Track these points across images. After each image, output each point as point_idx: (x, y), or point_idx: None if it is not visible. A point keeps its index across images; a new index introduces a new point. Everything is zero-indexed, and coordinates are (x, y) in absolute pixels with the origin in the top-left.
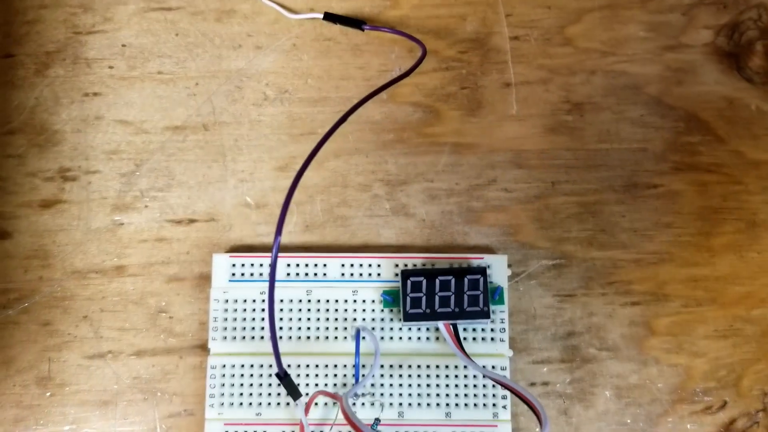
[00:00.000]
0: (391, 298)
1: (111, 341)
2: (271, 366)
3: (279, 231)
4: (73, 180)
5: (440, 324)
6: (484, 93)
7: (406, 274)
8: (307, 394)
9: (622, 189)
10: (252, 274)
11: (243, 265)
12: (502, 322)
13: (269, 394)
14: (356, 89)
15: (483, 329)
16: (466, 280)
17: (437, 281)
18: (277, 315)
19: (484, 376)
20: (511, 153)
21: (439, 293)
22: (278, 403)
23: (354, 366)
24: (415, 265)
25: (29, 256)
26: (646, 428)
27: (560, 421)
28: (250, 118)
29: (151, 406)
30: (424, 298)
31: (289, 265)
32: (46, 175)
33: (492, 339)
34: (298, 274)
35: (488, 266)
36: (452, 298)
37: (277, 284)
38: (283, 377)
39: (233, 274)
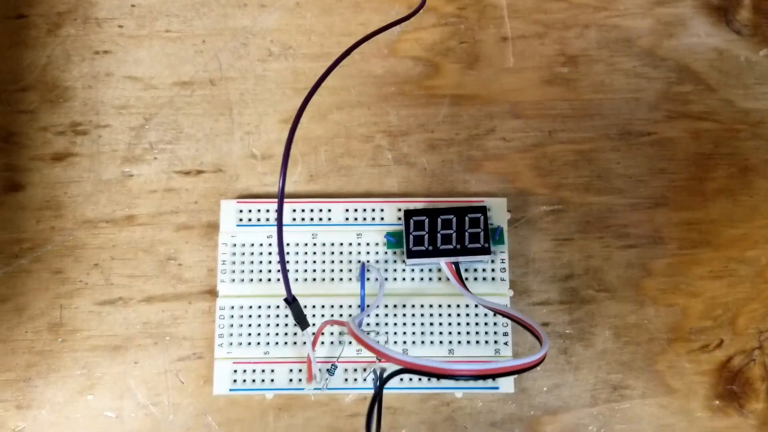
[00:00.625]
0: (394, 239)
1: (121, 288)
2: (278, 307)
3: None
4: (84, 134)
5: (442, 263)
6: (482, 47)
7: (408, 214)
8: (313, 325)
9: (617, 137)
10: (259, 219)
11: (250, 210)
12: (503, 263)
13: (276, 334)
14: None
15: (484, 270)
16: (467, 218)
17: (439, 220)
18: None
19: (485, 308)
20: (508, 104)
21: (441, 231)
22: (285, 342)
23: (359, 306)
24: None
25: (41, 207)
26: (644, 366)
27: (560, 361)
28: (255, 73)
29: (161, 350)
30: (426, 237)
31: (294, 210)
32: (57, 129)
33: (493, 279)
34: (303, 219)
35: (489, 208)
36: (454, 236)
37: (283, 228)
38: (292, 302)
39: (240, 220)
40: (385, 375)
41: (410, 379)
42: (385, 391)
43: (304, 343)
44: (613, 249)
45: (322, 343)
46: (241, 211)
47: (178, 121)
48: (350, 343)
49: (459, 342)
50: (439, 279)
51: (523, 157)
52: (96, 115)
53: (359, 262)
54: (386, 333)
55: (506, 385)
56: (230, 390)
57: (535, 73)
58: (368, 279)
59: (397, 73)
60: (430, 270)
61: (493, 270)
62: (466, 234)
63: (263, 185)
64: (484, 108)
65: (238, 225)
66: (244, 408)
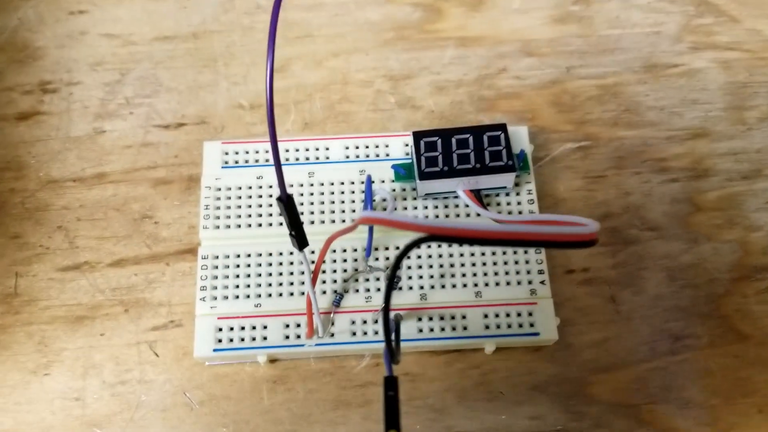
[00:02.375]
0: (403, 170)
1: (88, 251)
2: (270, 254)
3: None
4: (53, 92)
5: (460, 190)
6: None
7: (418, 135)
8: (313, 252)
9: (642, 70)
10: (247, 161)
11: (237, 152)
12: (530, 194)
13: (269, 284)
14: None
15: (509, 203)
16: (485, 137)
17: (453, 140)
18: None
19: (513, 238)
20: (519, 43)
21: (457, 151)
22: (280, 294)
23: (366, 245)
24: None
25: (1, 168)
26: (707, 312)
27: (608, 310)
28: (242, 25)
29: (132, 319)
30: (440, 157)
31: (288, 150)
32: (24, 88)
33: (519, 212)
34: (298, 159)
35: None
36: (472, 155)
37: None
38: (286, 201)
39: (226, 162)
40: (407, 244)
41: (431, 329)
42: (401, 352)
43: (303, 287)
44: (653, 184)
45: (324, 293)
46: (226, 153)
47: (158, 74)
48: (357, 291)
49: (486, 284)
50: (458, 215)
51: (541, 94)
52: (68, 72)
53: (363, 201)
54: (398, 279)
55: (548, 329)
56: (214, 351)
57: (544, 12)
58: (375, 205)
59: (396, 19)
60: (446, 205)
61: (519, 203)
62: (486, 153)
63: (251, 135)
64: (492, 48)
65: (223, 167)
66: (231, 382)
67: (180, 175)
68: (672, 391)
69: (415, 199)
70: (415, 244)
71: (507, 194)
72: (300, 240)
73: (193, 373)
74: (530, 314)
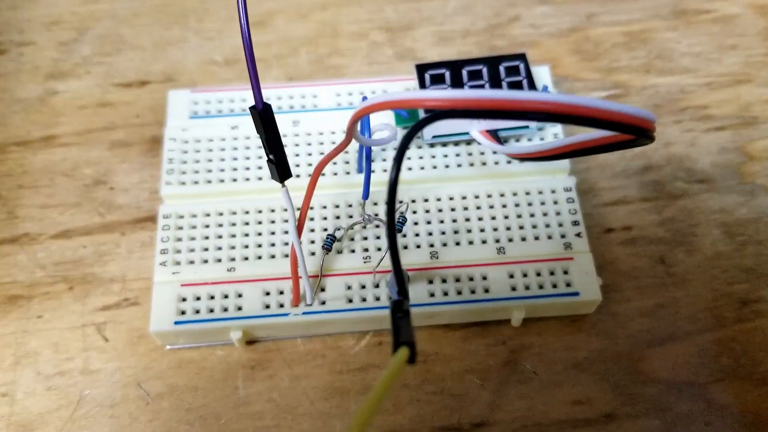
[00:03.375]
0: (405, 113)
1: (29, 221)
2: (247, 213)
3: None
4: (1, 53)
5: (474, 131)
6: None
7: (422, 68)
8: (298, 210)
9: (671, 16)
10: (220, 111)
11: (208, 102)
12: (556, 137)
13: (245, 246)
14: None
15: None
16: (502, 67)
17: (464, 71)
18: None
19: (540, 155)
20: None
21: (469, 83)
22: (258, 257)
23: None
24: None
25: None
26: None
27: (658, 273)
28: None
29: (77, 297)
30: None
31: (269, 98)
32: None
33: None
34: (281, 107)
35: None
36: (487, 86)
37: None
38: (262, 111)
39: (195, 112)
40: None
41: (444, 293)
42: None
43: (286, 249)
44: (697, 133)
45: (312, 254)
46: (196, 103)
47: (121, 32)
48: (353, 251)
49: (510, 239)
50: (471, 164)
51: (561, 43)
52: (19, 33)
53: (356, 151)
54: (404, 236)
55: (589, 288)
56: (176, 323)
57: None
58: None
59: None
60: (457, 153)
61: None
62: (504, 84)
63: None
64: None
65: (191, 117)
66: (198, 369)
67: (142, 136)
68: (744, 365)
69: (420, 147)
70: (430, 120)
71: (529, 139)
72: (281, 167)
73: (150, 360)
74: (566, 272)
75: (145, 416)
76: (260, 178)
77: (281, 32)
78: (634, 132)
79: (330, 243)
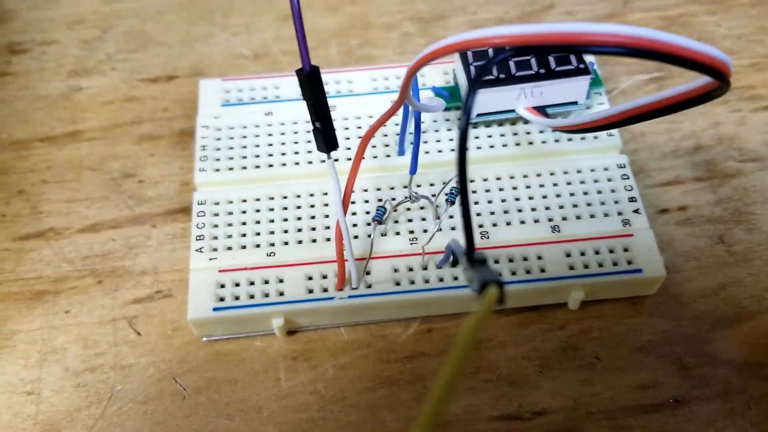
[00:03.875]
0: (447, 93)
1: (55, 216)
2: (285, 197)
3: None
4: (23, 53)
5: (520, 108)
6: None
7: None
8: (348, 149)
9: (709, 1)
10: (253, 98)
11: (240, 90)
12: None
13: (285, 231)
14: None
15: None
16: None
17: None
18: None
19: (590, 126)
20: None
21: (514, 59)
22: (299, 241)
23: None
24: None
25: None
26: None
27: (718, 252)
28: None
29: (107, 291)
30: (494, 67)
31: None
32: None
33: (595, 137)
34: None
35: None
36: (533, 61)
37: (287, 103)
38: (309, 75)
39: (227, 100)
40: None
41: (498, 274)
42: (461, 312)
43: (328, 233)
44: (745, 113)
45: (356, 237)
46: (227, 91)
47: (146, 29)
48: (398, 233)
49: (564, 218)
50: (517, 144)
51: None
52: (41, 33)
53: (395, 135)
54: (450, 217)
55: (652, 264)
56: (215, 310)
57: None
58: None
59: None
60: (502, 133)
61: None
62: (551, 59)
63: None
64: None
65: (223, 105)
66: (238, 362)
67: (170, 129)
68: None
69: (459, 124)
70: (498, 58)
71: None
72: (327, 136)
73: (186, 353)
74: (626, 249)
75: (181, 411)
76: (297, 163)
77: (310, 25)
78: (711, 73)
79: (381, 215)
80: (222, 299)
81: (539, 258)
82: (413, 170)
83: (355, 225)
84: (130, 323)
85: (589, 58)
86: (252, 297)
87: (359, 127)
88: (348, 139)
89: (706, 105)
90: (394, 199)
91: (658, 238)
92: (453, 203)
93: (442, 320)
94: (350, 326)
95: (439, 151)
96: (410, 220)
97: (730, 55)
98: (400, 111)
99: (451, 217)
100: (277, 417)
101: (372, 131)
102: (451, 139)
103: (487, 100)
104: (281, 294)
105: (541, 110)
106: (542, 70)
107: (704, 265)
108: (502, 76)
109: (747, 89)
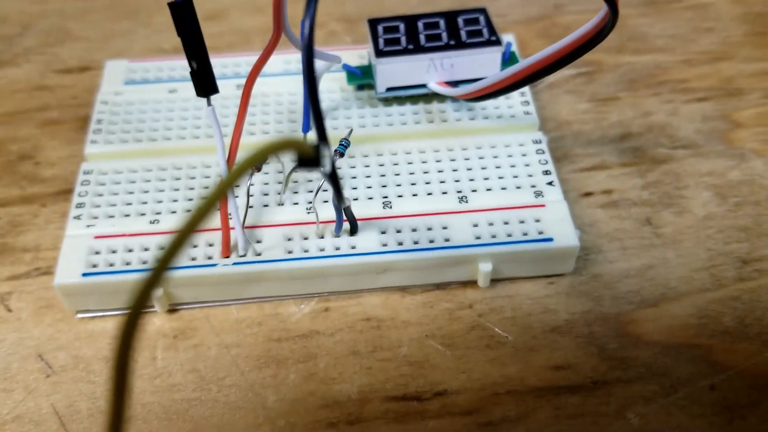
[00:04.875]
0: (358, 71)
1: None
2: (180, 169)
3: None
4: None
5: (431, 83)
6: None
7: (374, 22)
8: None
9: (642, 4)
10: (159, 78)
11: (147, 70)
12: (523, 95)
13: (174, 200)
14: None
15: (497, 107)
16: (460, 19)
17: (420, 23)
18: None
19: (492, 90)
20: None
21: (425, 32)
22: (188, 210)
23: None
24: None
25: None
26: None
27: (645, 233)
28: None
29: None
30: (403, 38)
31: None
32: None
33: (512, 116)
34: (225, 74)
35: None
36: (444, 34)
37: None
38: (182, 3)
39: (132, 79)
40: None
41: (399, 243)
42: (362, 289)
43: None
44: (678, 104)
45: (251, 207)
46: (134, 71)
47: (68, 26)
48: (296, 204)
49: (474, 190)
50: (431, 122)
51: (528, 29)
52: None
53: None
54: (354, 188)
55: (564, 234)
56: (84, 275)
57: None
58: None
59: None
60: (415, 112)
61: (510, 107)
62: (463, 32)
63: None
64: None
65: (126, 83)
66: (112, 340)
67: (76, 115)
68: (750, 325)
69: (374, 106)
70: None
71: None
72: (204, 78)
73: (56, 330)
74: (537, 220)
75: (43, 389)
76: (197, 137)
77: (235, 24)
78: None
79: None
80: (95, 266)
81: (444, 228)
82: (305, 128)
83: (251, 195)
84: (1, 299)
85: (507, 39)
86: (128, 264)
87: (267, 105)
88: (254, 115)
89: (635, 96)
90: (293, 171)
91: (580, 220)
92: (342, 155)
93: (342, 298)
94: (241, 304)
95: (350, 130)
96: (309, 191)
97: (664, 52)
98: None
99: (354, 188)
100: (147, 396)
101: (254, 72)
102: (362, 115)
103: (396, 70)
104: None
105: (454, 84)
106: (452, 42)
107: (628, 246)
108: (410, 46)
109: (680, 82)
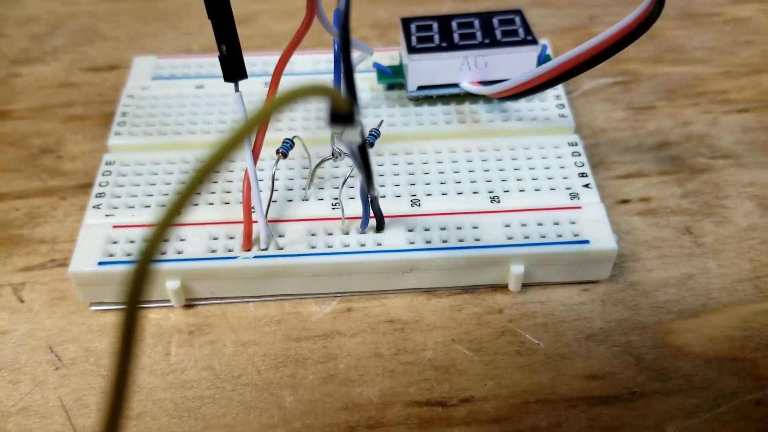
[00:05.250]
0: (389, 70)
1: None
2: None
3: None
4: None
5: (464, 83)
6: None
7: (407, 21)
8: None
9: (679, 17)
10: (186, 74)
11: (175, 67)
12: (558, 98)
13: (197, 193)
14: None
15: (531, 109)
16: (495, 20)
17: (454, 23)
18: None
19: (522, 89)
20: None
21: (459, 31)
22: (210, 203)
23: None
24: None
25: None
26: None
27: (685, 242)
28: None
29: None
30: (436, 36)
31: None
32: None
33: (547, 119)
34: (254, 72)
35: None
36: (479, 33)
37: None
38: None
39: (159, 75)
40: None
41: (427, 241)
42: (387, 290)
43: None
44: (717, 114)
45: (275, 201)
46: (161, 67)
47: (98, 27)
48: (321, 199)
49: (507, 191)
50: (462, 122)
51: (562, 38)
52: None
53: None
54: (382, 186)
55: (601, 237)
56: (100, 264)
57: None
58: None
59: None
60: (446, 112)
61: (545, 110)
62: (497, 32)
63: None
64: (500, 0)
65: (154, 79)
66: None
67: (101, 111)
68: None
69: (404, 106)
70: None
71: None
72: (233, 62)
73: (68, 322)
74: (573, 222)
75: (51, 381)
76: (222, 132)
77: (265, 28)
78: None
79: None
80: (111, 255)
81: (475, 228)
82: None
83: (276, 190)
84: (14, 290)
85: (542, 41)
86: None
87: (294, 110)
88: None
89: (673, 106)
90: (319, 164)
91: (617, 228)
92: (372, 145)
93: (365, 299)
94: (260, 302)
95: (379, 127)
96: (335, 188)
97: (701, 63)
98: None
99: (382, 185)
100: (158, 393)
101: (285, 57)
102: (394, 114)
103: (429, 68)
104: (179, 253)
105: (487, 85)
106: (487, 40)
107: (667, 254)
108: (444, 44)
109: (719, 93)
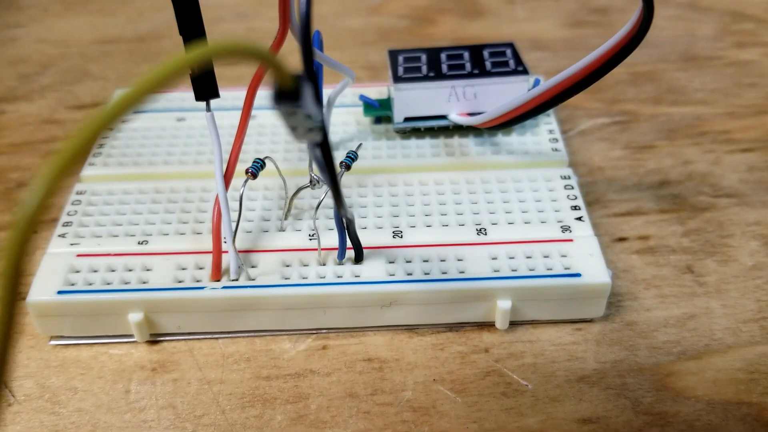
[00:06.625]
0: (375, 102)
1: None
2: (176, 193)
3: None
4: None
5: (453, 114)
6: (485, 3)
7: (395, 53)
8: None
9: (680, 60)
10: (168, 108)
11: (156, 100)
12: (551, 133)
13: (167, 223)
14: None
15: (523, 143)
16: (486, 52)
17: (443, 55)
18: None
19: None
20: (527, 41)
21: (448, 62)
22: (181, 233)
23: None
24: None
25: None
26: None
27: (686, 281)
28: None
29: None
30: (424, 67)
31: (225, 98)
32: None
33: (539, 152)
34: (234, 106)
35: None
36: (468, 64)
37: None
38: None
39: (141, 109)
40: None
41: (408, 273)
42: (366, 326)
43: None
44: (720, 153)
45: (249, 232)
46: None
47: (87, 67)
48: (298, 230)
49: (495, 223)
50: (450, 155)
51: None
52: None
53: None
54: (363, 217)
55: (593, 270)
56: (59, 293)
57: (554, 20)
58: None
59: (381, 26)
60: (434, 145)
61: (537, 143)
62: (488, 62)
63: None
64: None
65: (135, 112)
66: (85, 369)
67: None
68: None
69: (390, 139)
70: None
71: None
72: (204, 79)
73: (26, 357)
74: (564, 255)
75: (2, 419)
76: (199, 163)
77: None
78: None
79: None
80: (72, 284)
81: (459, 260)
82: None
83: (250, 221)
84: None
85: (537, 76)
86: (108, 284)
87: (276, 134)
88: (261, 144)
89: (674, 146)
90: (297, 193)
91: (614, 266)
92: (349, 167)
93: (342, 336)
94: (230, 338)
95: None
96: (316, 219)
97: (702, 104)
98: None
99: (363, 217)
100: None
101: (260, 72)
102: (380, 147)
103: (416, 99)
104: (144, 282)
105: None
106: (476, 70)
107: (667, 293)
108: (431, 74)
109: (722, 133)
